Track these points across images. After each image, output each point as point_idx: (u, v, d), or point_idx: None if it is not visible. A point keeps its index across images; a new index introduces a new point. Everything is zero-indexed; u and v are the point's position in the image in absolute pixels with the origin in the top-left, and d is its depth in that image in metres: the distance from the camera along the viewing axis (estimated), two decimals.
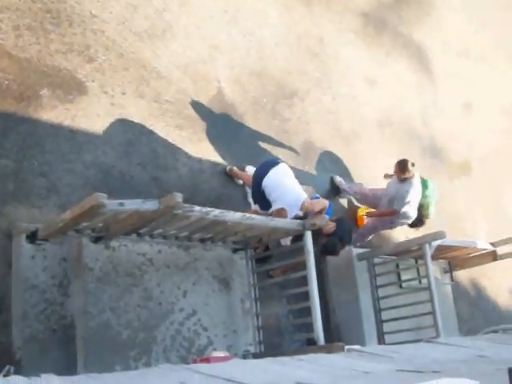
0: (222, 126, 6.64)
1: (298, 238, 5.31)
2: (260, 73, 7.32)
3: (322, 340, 4.88)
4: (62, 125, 5.35)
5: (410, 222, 6.84)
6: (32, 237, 4.42)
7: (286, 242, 5.90)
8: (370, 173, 7.70)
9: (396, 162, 6.59)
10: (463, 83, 10.29)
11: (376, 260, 6.72)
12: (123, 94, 5.89)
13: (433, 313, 6.10)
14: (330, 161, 7.61)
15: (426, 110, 9.50)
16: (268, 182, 5.61)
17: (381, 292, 6.61)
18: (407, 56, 9.71)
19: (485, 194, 9.49)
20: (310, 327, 5.00)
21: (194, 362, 4.45)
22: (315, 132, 7.62)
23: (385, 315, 6.51)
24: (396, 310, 6.38)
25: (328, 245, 5.67)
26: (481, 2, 11.52)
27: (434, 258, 6.58)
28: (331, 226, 5.54)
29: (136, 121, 5.89)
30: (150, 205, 4.04)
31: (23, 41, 5.35)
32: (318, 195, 6.86)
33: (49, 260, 4.56)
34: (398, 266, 6.86)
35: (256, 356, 5.17)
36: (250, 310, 5.47)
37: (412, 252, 6.66)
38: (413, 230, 7.30)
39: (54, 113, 5.33)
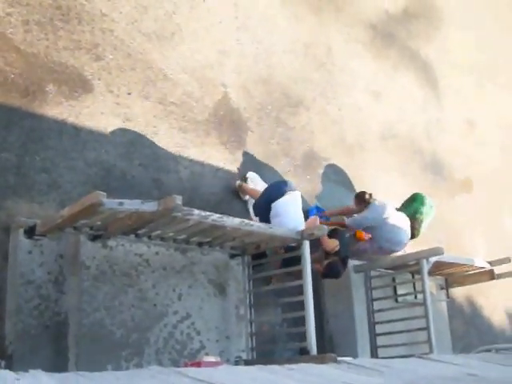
0: (225, 130, 6.64)
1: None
2: (266, 80, 7.33)
3: (314, 350, 4.87)
4: (65, 121, 5.35)
5: (398, 248, 6.77)
6: (30, 232, 4.41)
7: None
8: (372, 185, 7.69)
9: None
10: (468, 100, 10.31)
11: (373, 273, 6.71)
12: (129, 93, 5.90)
13: (427, 328, 6.08)
14: (332, 171, 7.61)
15: (430, 125, 9.51)
16: (281, 203, 5.58)
17: (376, 305, 6.59)
18: (414, 70, 9.73)
19: (485, 212, 9.49)
20: (303, 336, 4.99)
21: (186, 365, 4.44)
22: (319, 141, 7.63)
23: (379, 328, 6.49)
24: (390, 324, 6.36)
25: (331, 268, 5.72)
26: (488, 22, 11.55)
27: (430, 273, 6.58)
28: (335, 246, 5.56)
29: (140, 121, 5.89)
30: (150, 206, 4.03)
31: (32, 36, 5.37)
32: (318, 204, 6.89)
33: (46, 256, 4.56)
34: (394, 279, 6.85)
35: (248, 363, 5.16)
36: (244, 317, 5.46)
37: (409, 266, 6.65)
38: (410, 244, 7.28)
39: (58, 109, 5.34)
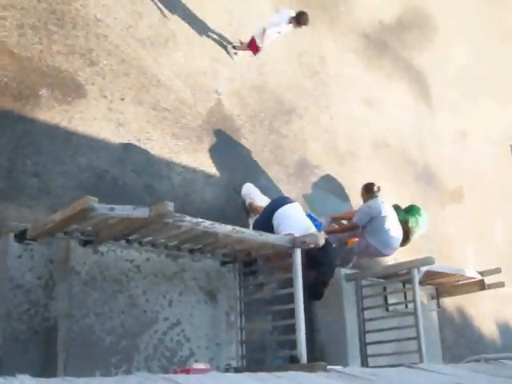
0: (218, 137, 6.64)
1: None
2: (260, 88, 7.34)
3: (304, 358, 4.85)
4: (58, 126, 5.34)
5: (387, 251, 6.81)
6: (20, 236, 4.38)
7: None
8: None
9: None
10: (460, 111, 10.37)
11: (364, 282, 6.71)
12: (122, 99, 5.90)
13: (417, 338, 6.08)
14: (324, 179, 7.62)
15: (422, 135, 9.56)
16: (282, 212, 5.64)
17: (367, 314, 6.59)
18: (407, 80, 9.78)
19: (475, 222, 9.52)
20: (293, 345, 4.96)
21: (175, 372, 4.42)
22: (311, 150, 7.64)
23: (369, 338, 6.48)
24: (381, 333, 6.36)
25: (314, 291, 5.71)
26: (482, 33, 11.64)
27: (421, 283, 6.58)
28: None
29: (133, 127, 5.89)
30: (141, 212, 4.02)
31: (26, 40, 5.36)
32: (310, 212, 6.87)
33: (36, 260, 4.53)
34: (385, 288, 6.85)
35: (238, 370, 5.13)
36: (234, 324, 5.45)
37: (400, 276, 6.65)
38: (401, 253, 7.29)
39: (51, 113, 5.33)
